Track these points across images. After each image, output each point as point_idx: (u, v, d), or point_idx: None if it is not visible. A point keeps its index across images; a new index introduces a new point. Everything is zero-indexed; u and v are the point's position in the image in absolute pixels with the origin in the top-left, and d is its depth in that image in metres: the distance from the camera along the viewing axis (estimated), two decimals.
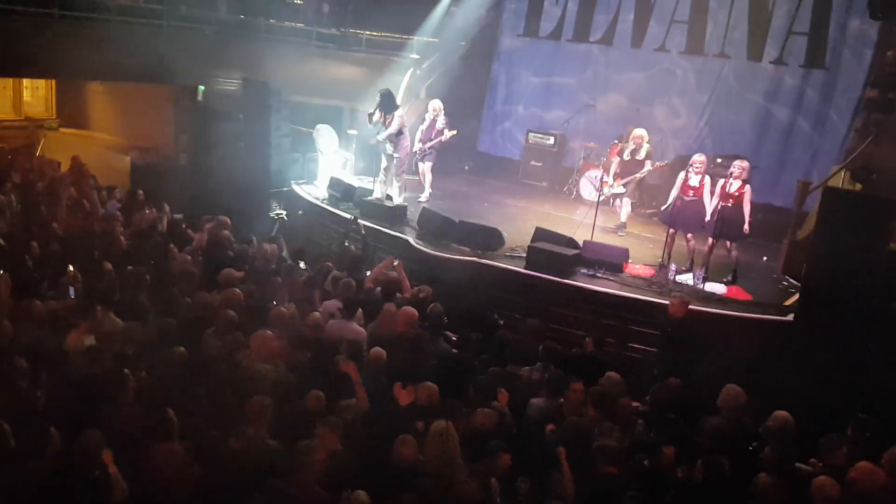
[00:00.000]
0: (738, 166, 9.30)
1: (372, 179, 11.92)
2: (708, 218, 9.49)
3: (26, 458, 4.37)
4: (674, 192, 9.79)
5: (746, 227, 9.25)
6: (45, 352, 5.64)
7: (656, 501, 4.87)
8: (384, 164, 11.54)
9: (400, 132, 11.25)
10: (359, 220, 10.61)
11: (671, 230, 9.95)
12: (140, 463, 4.56)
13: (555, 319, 8.86)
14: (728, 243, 9.49)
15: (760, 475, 4.80)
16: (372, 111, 11.17)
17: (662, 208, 10.12)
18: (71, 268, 7.27)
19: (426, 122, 12.30)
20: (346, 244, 10.15)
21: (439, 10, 15.19)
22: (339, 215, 11.51)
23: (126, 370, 5.26)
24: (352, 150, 13.83)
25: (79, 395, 5.11)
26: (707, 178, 9.62)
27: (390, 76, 14.36)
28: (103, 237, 8.82)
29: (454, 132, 12.16)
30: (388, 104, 11.11)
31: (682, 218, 9.74)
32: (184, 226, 9.79)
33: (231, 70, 14.02)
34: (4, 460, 4.36)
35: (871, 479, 4.82)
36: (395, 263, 8.80)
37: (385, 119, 11.10)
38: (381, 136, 11.23)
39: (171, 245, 8.62)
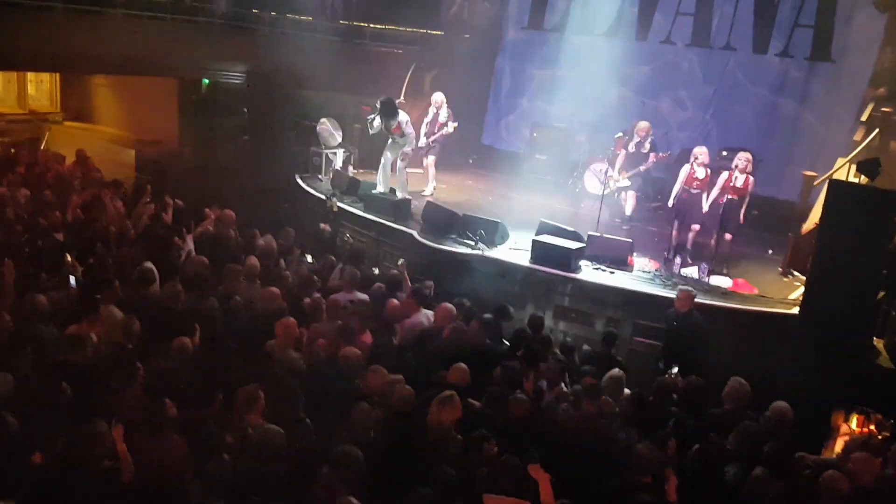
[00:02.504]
0: (744, 159, 9.30)
1: (376, 173, 11.92)
2: (706, 210, 9.52)
3: (33, 449, 4.38)
4: (677, 186, 9.79)
5: (741, 217, 9.27)
6: (47, 342, 5.64)
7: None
8: (387, 158, 11.52)
9: (404, 130, 11.28)
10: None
11: (676, 223, 9.95)
12: (141, 453, 4.57)
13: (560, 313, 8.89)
14: (728, 236, 9.51)
15: (756, 470, 4.78)
16: (372, 117, 11.18)
17: (669, 202, 10.11)
18: (69, 257, 7.29)
19: (430, 116, 12.28)
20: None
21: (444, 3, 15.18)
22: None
23: (136, 362, 5.28)
24: (356, 144, 13.82)
25: (83, 386, 5.12)
26: (709, 171, 9.63)
27: (395, 69, 14.34)
28: (107, 230, 8.82)
29: (455, 125, 12.14)
30: (388, 112, 11.08)
31: (688, 211, 9.74)
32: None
33: (235, 63, 14.01)
34: (10, 451, 4.37)
35: (868, 468, 4.83)
36: (400, 263, 8.82)
37: (387, 126, 11.09)
38: (408, 147, 11.35)
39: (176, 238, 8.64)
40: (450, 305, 7.37)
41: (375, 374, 5.76)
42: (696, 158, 9.65)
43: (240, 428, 4.94)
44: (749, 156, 9.36)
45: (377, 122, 11.10)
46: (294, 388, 5.43)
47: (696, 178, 9.62)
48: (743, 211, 9.35)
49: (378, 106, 11.09)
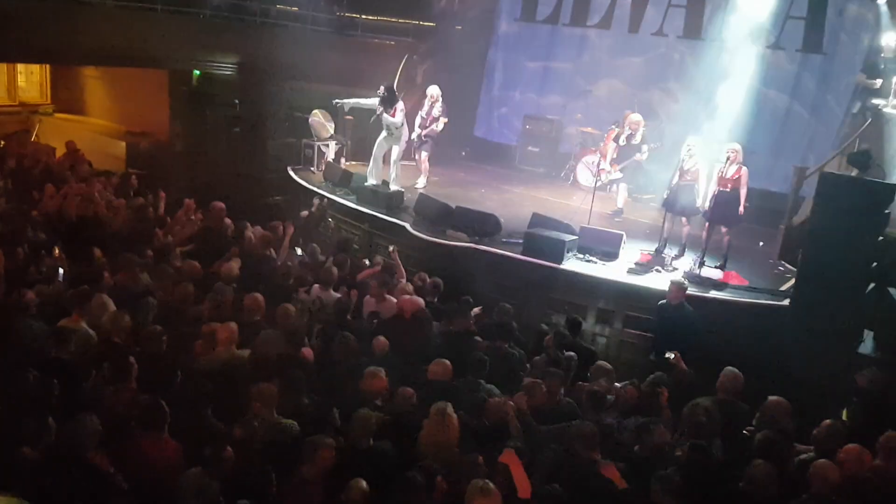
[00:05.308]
0: (732, 150, 9.27)
1: (368, 165, 11.88)
2: (699, 202, 9.51)
3: (21, 445, 4.35)
4: (673, 177, 9.76)
5: (741, 209, 9.23)
6: (37, 337, 5.61)
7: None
8: (379, 150, 11.48)
9: (397, 119, 11.26)
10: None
11: (668, 215, 9.94)
12: (132, 452, 4.54)
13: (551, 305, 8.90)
14: (723, 228, 9.49)
15: (755, 461, 4.79)
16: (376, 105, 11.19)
17: (664, 194, 10.07)
18: (56, 250, 7.27)
19: (425, 109, 12.23)
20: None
21: None
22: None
23: (130, 357, 5.24)
24: (348, 136, 13.79)
25: (74, 381, 5.10)
26: (703, 162, 9.61)
27: (387, 61, 14.30)
28: (97, 221, 8.78)
29: (445, 121, 12.11)
30: (390, 99, 11.10)
31: (680, 203, 9.72)
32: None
33: (226, 55, 13.96)
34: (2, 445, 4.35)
35: (858, 461, 4.85)
36: (392, 250, 8.82)
37: (387, 112, 11.08)
38: (402, 139, 11.38)
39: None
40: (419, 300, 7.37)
41: (376, 377, 5.57)
42: (690, 149, 9.61)
43: (247, 421, 4.92)
44: (737, 146, 9.34)
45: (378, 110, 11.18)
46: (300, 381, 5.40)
47: (688, 170, 9.60)
48: (742, 203, 9.25)
49: (382, 92, 11.08)
